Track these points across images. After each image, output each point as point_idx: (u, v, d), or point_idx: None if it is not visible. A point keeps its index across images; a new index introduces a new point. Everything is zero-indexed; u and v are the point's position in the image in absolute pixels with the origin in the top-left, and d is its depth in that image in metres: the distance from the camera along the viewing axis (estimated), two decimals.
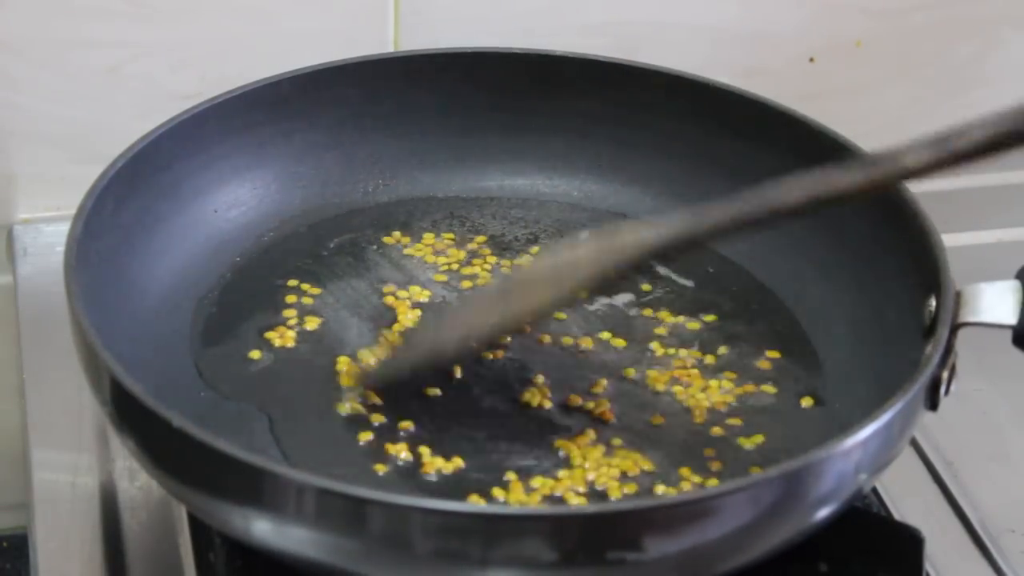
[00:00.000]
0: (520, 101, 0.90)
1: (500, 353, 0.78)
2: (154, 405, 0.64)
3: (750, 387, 0.78)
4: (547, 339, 0.80)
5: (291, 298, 0.82)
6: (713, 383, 0.78)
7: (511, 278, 0.78)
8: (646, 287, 0.85)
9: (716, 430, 0.76)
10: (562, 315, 0.81)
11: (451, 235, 0.87)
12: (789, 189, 0.68)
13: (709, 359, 0.80)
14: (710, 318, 0.83)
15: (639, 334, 0.81)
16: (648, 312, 0.83)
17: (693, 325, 0.82)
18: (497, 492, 0.71)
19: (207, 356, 0.78)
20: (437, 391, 0.76)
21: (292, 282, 0.83)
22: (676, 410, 0.77)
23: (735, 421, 0.76)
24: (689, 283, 0.85)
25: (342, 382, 0.76)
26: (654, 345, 0.81)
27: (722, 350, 0.81)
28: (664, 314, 0.83)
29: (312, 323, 0.81)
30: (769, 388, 0.78)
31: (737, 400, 0.77)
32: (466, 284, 0.84)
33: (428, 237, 0.87)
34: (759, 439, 0.75)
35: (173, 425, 0.63)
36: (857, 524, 0.71)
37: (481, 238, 0.87)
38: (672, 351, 0.80)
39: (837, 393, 0.77)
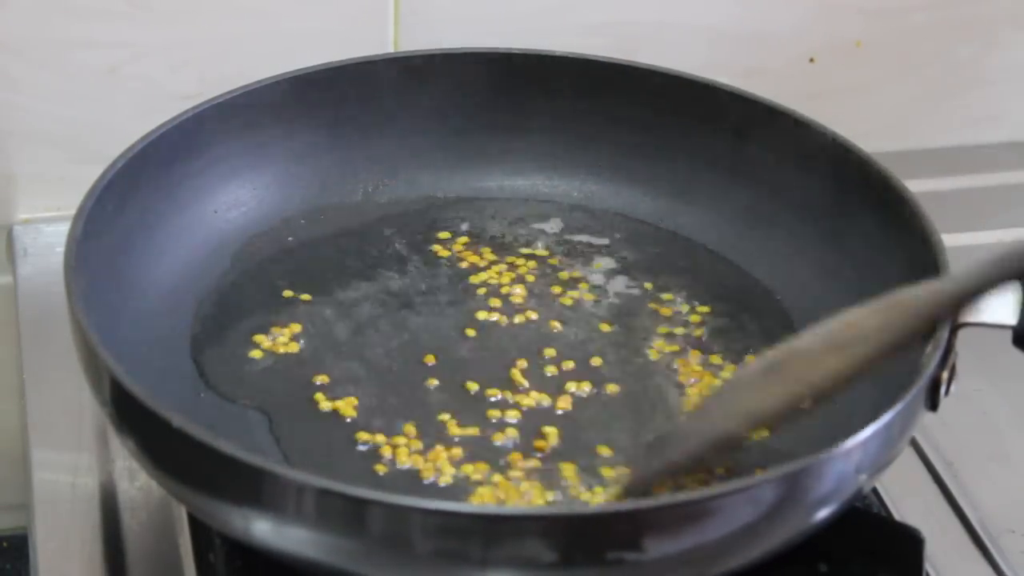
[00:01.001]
0: (520, 101, 0.90)
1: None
2: (154, 405, 0.64)
3: None
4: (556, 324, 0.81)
5: (290, 295, 0.82)
6: (714, 382, 0.78)
7: (781, 354, 0.69)
8: (648, 285, 0.85)
9: None
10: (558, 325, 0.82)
11: (451, 235, 0.87)
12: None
13: (709, 358, 0.80)
14: (708, 317, 0.83)
15: (639, 333, 0.81)
16: (647, 309, 0.83)
17: (689, 326, 0.82)
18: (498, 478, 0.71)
19: (207, 356, 0.78)
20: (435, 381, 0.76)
21: (292, 283, 0.83)
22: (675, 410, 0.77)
23: None
24: (688, 283, 0.85)
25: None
26: (654, 343, 0.81)
27: (721, 350, 0.80)
28: (664, 311, 0.83)
29: (312, 323, 0.81)
30: None
31: None
32: (473, 280, 0.84)
33: (428, 237, 0.87)
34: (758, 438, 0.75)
35: (173, 425, 0.63)
36: (857, 524, 0.71)
37: (481, 238, 0.87)
38: (672, 349, 0.80)
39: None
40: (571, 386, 0.77)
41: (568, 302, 0.83)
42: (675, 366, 0.79)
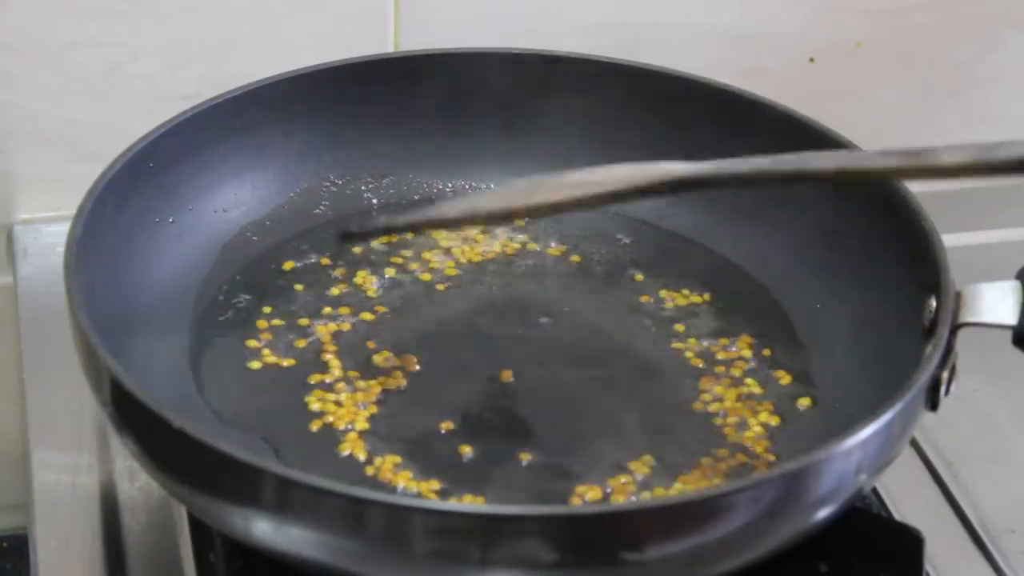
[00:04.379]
0: (520, 101, 0.90)
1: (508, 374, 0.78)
2: (154, 405, 0.64)
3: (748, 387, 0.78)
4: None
5: (290, 295, 0.82)
6: (714, 382, 0.78)
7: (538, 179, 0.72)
8: (648, 285, 0.85)
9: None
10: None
11: (451, 235, 0.87)
12: (823, 158, 0.67)
13: (708, 358, 0.80)
14: (707, 317, 0.83)
15: (639, 331, 0.82)
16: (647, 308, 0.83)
17: (688, 326, 0.82)
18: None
19: (207, 357, 0.78)
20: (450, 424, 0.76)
21: (293, 284, 0.83)
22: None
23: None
24: (687, 282, 0.85)
25: None
26: (654, 342, 0.81)
27: (720, 349, 0.81)
28: (664, 310, 0.83)
29: (312, 323, 0.81)
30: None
31: (735, 400, 0.77)
32: (477, 272, 0.85)
33: (428, 237, 0.87)
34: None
35: (173, 426, 0.63)
36: (857, 524, 0.71)
37: (480, 238, 0.88)
38: (672, 347, 0.81)
39: (836, 393, 0.77)
40: None
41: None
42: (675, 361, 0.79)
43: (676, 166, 0.68)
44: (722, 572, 0.65)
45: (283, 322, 0.81)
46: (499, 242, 0.87)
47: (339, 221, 0.88)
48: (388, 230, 0.75)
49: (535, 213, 0.72)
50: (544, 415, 0.75)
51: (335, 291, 0.83)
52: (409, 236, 0.87)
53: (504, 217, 0.72)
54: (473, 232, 0.88)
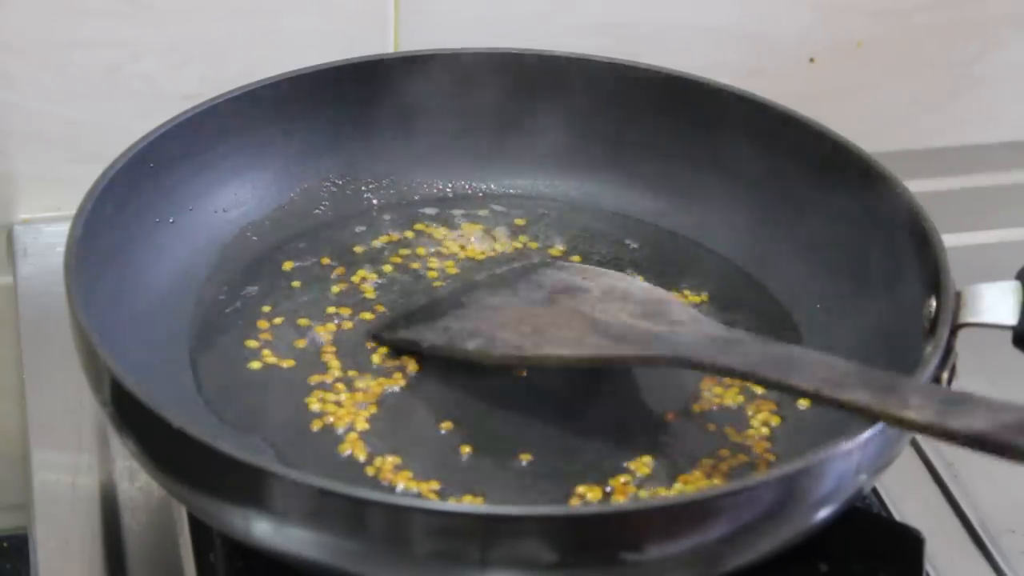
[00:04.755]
0: (520, 101, 0.90)
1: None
2: (154, 405, 0.64)
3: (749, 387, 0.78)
4: None
5: (290, 295, 0.82)
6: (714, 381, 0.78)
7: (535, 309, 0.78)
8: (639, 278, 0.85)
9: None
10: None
11: (451, 235, 0.87)
12: (805, 375, 0.67)
13: None
14: (707, 316, 0.83)
15: None
16: None
17: None
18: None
19: (207, 357, 0.78)
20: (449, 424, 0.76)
21: (293, 283, 0.83)
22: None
23: None
24: (687, 282, 0.85)
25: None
26: None
27: None
28: None
29: (312, 323, 0.81)
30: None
31: (735, 400, 0.77)
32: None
33: (429, 237, 0.87)
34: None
35: (173, 426, 0.63)
36: (857, 524, 0.71)
37: (480, 238, 0.88)
38: None
39: None
40: None
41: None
42: None
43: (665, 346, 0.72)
44: (722, 572, 0.65)
45: (283, 322, 0.81)
46: (500, 242, 0.87)
47: (339, 221, 0.88)
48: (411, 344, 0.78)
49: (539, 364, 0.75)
50: (544, 415, 0.75)
51: (335, 291, 0.83)
52: (409, 236, 0.87)
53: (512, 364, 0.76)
54: (474, 232, 0.88)
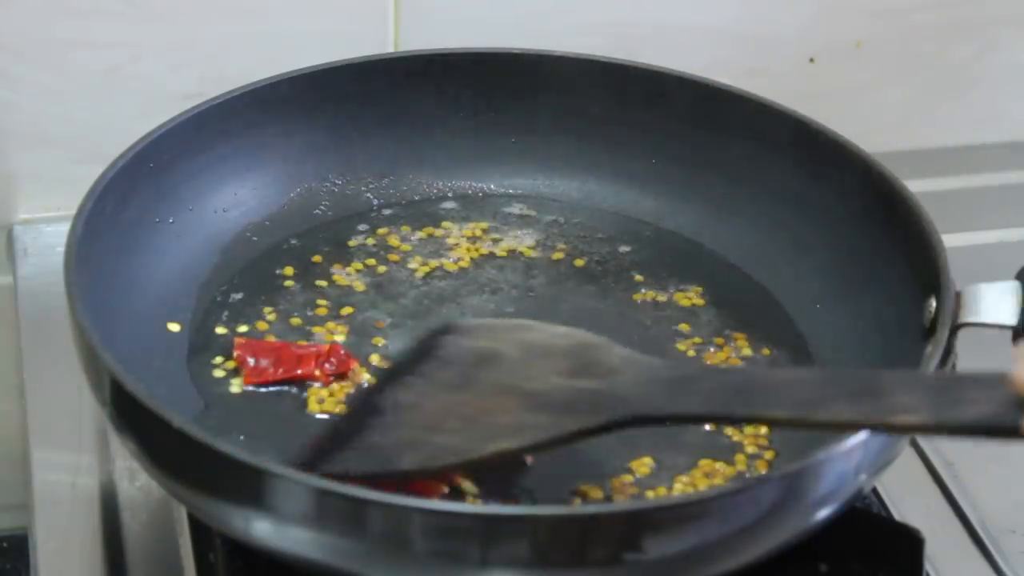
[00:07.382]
0: (520, 101, 0.90)
1: None
2: (154, 405, 0.64)
3: None
4: None
5: (290, 295, 0.82)
6: None
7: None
8: (639, 278, 0.85)
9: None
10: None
11: (452, 235, 0.87)
12: (778, 397, 0.62)
13: (708, 358, 0.80)
14: (707, 317, 0.83)
15: (638, 330, 0.82)
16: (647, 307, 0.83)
17: (689, 326, 0.82)
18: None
19: (207, 357, 0.78)
20: None
21: (293, 284, 0.83)
22: None
23: None
24: (687, 282, 0.85)
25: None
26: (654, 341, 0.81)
27: (720, 350, 0.81)
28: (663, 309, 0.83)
29: (312, 323, 0.81)
30: None
31: None
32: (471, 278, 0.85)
33: (429, 237, 0.87)
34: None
35: (173, 425, 0.63)
36: (857, 524, 0.71)
37: (481, 237, 0.88)
38: (673, 346, 0.81)
39: None
40: None
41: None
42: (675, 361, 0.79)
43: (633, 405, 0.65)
44: (722, 572, 0.65)
45: (283, 322, 0.81)
46: (500, 243, 0.87)
47: (339, 221, 0.88)
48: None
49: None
50: None
51: (335, 291, 0.83)
52: (410, 236, 0.87)
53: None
54: (475, 232, 0.88)
